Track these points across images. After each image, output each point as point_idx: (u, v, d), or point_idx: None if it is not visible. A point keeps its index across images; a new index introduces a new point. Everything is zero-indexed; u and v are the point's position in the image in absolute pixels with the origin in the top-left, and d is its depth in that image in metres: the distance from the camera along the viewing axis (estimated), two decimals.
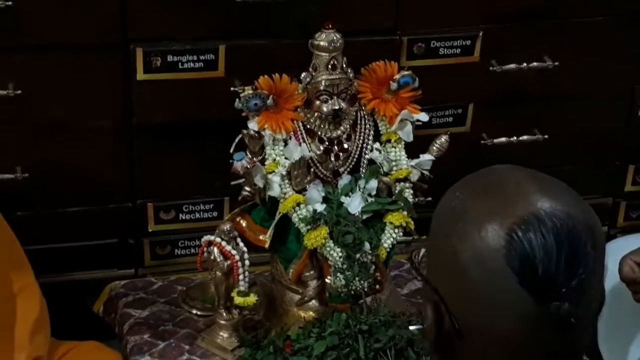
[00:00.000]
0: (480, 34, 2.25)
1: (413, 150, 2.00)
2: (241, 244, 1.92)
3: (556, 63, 2.30)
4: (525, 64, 2.30)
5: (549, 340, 1.06)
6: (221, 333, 1.96)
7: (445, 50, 2.26)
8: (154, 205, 2.24)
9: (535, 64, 2.30)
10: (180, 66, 2.10)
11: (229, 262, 1.90)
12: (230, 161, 1.91)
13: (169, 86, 2.12)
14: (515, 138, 2.39)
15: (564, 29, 2.32)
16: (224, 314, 1.95)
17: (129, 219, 2.26)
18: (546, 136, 2.39)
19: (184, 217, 2.28)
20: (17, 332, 1.87)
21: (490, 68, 2.29)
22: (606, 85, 2.39)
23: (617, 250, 2.15)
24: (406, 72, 1.96)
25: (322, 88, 1.90)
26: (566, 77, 2.34)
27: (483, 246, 1.05)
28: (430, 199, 2.19)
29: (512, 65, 2.30)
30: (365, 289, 1.90)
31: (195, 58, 2.11)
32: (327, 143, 1.94)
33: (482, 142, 2.37)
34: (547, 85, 2.35)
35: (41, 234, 2.20)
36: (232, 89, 2.01)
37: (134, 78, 2.10)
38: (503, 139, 2.39)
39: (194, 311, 2.06)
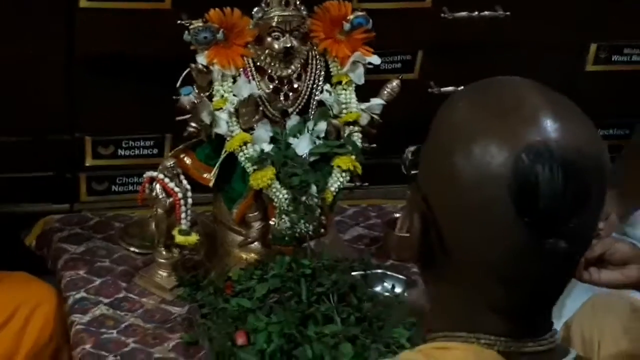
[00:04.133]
0: None
1: (360, 95, 1.96)
2: (184, 182, 1.87)
3: (507, 13, 2.28)
4: (476, 12, 2.27)
5: (538, 276, 1.02)
6: (160, 272, 1.92)
7: None
8: (92, 139, 2.17)
9: (486, 12, 2.27)
10: None
11: (171, 199, 1.85)
12: (174, 97, 1.85)
13: (114, 16, 2.04)
14: (463, 87, 2.36)
15: None
16: (164, 253, 1.91)
17: (66, 152, 2.18)
18: (476, 82, 2.37)
19: (123, 153, 2.21)
20: None
21: (442, 15, 2.26)
22: (557, 38, 2.37)
23: None
24: (360, 13, 1.92)
25: (274, 24, 1.85)
26: (517, 27, 2.31)
27: (485, 170, 0.99)
28: (374, 145, 2.16)
29: (464, 13, 2.27)
30: (310, 233, 1.87)
31: None
32: (276, 82, 1.89)
33: (430, 90, 2.35)
34: (497, 35, 2.32)
35: None
36: (178, 22, 1.94)
37: (77, 5, 2.02)
38: (450, 88, 2.36)
39: (132, 249, 2.02)
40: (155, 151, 2.23)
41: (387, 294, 1.92)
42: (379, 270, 1.97)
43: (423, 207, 1.05)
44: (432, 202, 1.04)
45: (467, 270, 1.04)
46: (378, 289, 1.94)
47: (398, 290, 1.94)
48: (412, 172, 1.10)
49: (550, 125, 1.00)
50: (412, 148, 1.13)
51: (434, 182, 1.05)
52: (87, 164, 2.19)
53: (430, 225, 1.05)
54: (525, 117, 1.01)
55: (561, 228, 1.00)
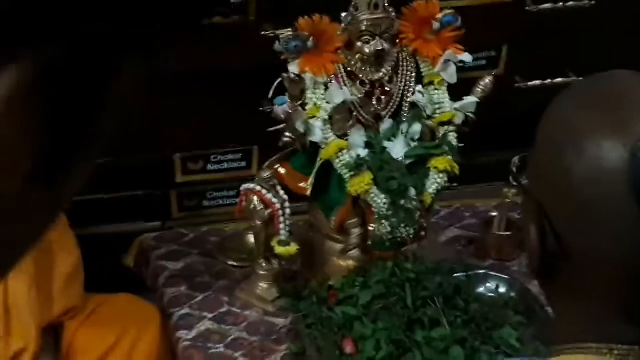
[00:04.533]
0: None
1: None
2: (282, 192, 1.85)
3: (593, 2, 2.23)
4: (561, 3, 2.23)
5: None
6: (261, 284, 1.90)
7: None
8: (181, 155, 2.17)
9: (571, 3, 2.23)
10: None
11: (269, 210, 1.83)
12: (261, 108, 1.84)
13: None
14: (549, 81, 2.32)
15: None
16: (264, 264, 1.89)
17: (156, 170, 2.18)
18: (580, 79, 2.32)
19: (212, 168, 2.21)
20: (54, 282, 1.80)
21: (526, 8, 2.22)
22: None
23: None
24: (449, 11, 1.88)
25: (364, 28, 1.82)
26: (603, 17, 2.26)
27: (601, 166, 0.95)
28: (462, 144, 2.13)
29: (548, 5, 2.23)
30: (411, 236, 1.84)
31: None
32: (368, 86, 1.87)
33: (516, 85, 2.31)
34: (583, 26, 2.28)
35: None
36: (262, 32, 1.93)
37: None
38: (537, 82, 2.32)
39: (231, 262, 2.01)
40: (243, 164, 2.22)
41: (491, 294, 1.89)
42: (482, 271, 1.93)
43: (539, 215, 1.01)
44: (547, 208, 1.00)
45: (592, 275, 0.99)
46: (481, 289, 1.90)
47: (502, 290, 1.90)
48: (522, 180, 1.07)
49: None
50: (517, 156, 1.10)
51: (547, 186, 1.01)
52: (177, 181, 2.19)
53: (548, 233, 1.00)
54: (636, 109, 0.98)
55: None
